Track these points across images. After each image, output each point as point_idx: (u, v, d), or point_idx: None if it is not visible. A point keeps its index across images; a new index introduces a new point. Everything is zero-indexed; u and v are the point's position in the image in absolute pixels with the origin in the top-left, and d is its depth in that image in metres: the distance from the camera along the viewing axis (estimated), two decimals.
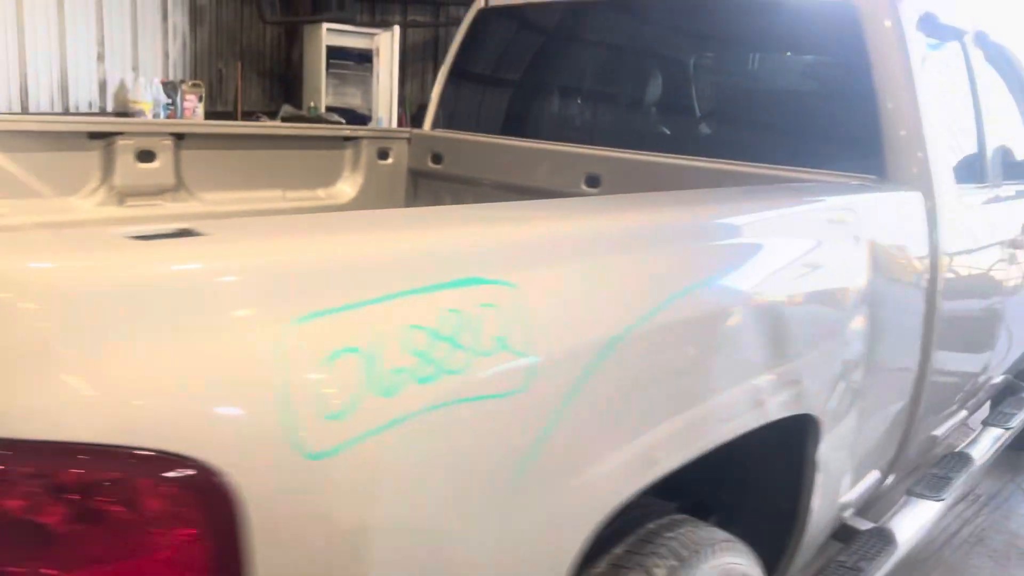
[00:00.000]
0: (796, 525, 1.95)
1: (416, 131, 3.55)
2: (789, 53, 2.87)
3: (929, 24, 2.49)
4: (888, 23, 2.35)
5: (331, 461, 0.84)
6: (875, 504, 2.73)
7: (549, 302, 1.11)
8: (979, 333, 2.81)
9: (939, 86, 2.55)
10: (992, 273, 2.77)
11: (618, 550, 1.45)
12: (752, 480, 2.03)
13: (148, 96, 7.23)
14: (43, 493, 0.71)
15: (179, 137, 2.80)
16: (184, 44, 7.86)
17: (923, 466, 3.12)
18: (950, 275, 2.39)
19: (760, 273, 1.57)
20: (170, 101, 7.46)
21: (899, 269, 2.20)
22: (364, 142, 3.36)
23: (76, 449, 0.72)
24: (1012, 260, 2.90)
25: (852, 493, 2.25)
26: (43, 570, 0.73)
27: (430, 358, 0.94)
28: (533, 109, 3.43)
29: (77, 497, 0.73)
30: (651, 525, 1.55)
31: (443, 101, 3.58)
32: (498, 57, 3.48)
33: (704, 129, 2.91)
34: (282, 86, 8.78)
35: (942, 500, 2.85)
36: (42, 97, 6.44)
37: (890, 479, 2.60)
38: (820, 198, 2.01)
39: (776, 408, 1.61)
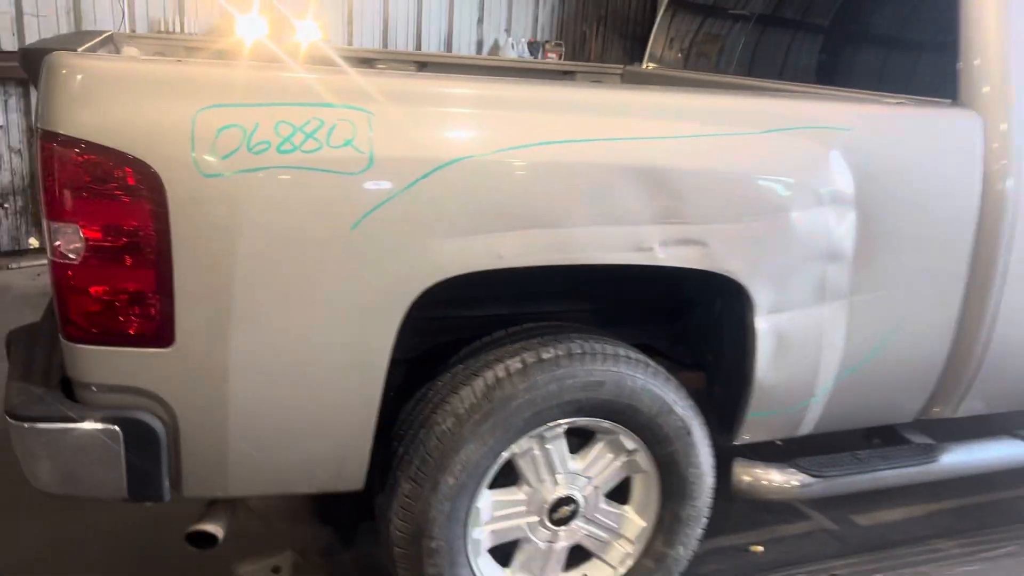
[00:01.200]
0: (746, 388, 2.27)
1: (629, 67, 4.12)
2: None
3: None
4: None
5: (215, 180, 1.65)
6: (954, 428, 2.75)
7: (399, 127, 1.77)
8: None
9: None
10: None
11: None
12: (717, 338, 2.38)
13: (514, 54, 8.52)
14: (70, 163, 1.63)
15: (422, 65, 3.78)
16: (553, 9, 9.03)
17: None
18: (1013, 200, 2.39)
19: (658, 148, 2.00)
20: (534, 57, 8.67)
21: (922, 182, 2.31)
22: (578, 75, 4.04)
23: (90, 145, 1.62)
24: None
25: (856, 396, 2.43)
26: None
27: (290, 140, 1.69)
28: (737, 49, 3.77)
29: (89, 162, 1.63)
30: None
31: (656, 40, 4.09)
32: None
33: (822, 60, 3.09)
34: (641, 46, 9.53)
35: None
36: (432, 49, 8.08)
37: (948, 406, 2.63)
38: (773, 103, 2.27)
39: (669, 257, 2.02)
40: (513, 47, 8.65)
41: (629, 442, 2.22)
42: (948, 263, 2.41)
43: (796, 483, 2.46)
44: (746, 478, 2.45)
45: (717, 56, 3.68)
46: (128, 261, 1.66)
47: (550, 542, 2.25)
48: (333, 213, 1.73)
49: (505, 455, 2.10)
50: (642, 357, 2.19)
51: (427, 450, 2.01)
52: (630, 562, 2.33)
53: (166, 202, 1.63)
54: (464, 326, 2.29)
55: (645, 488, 2.30)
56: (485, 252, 1.86)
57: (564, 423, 2.13)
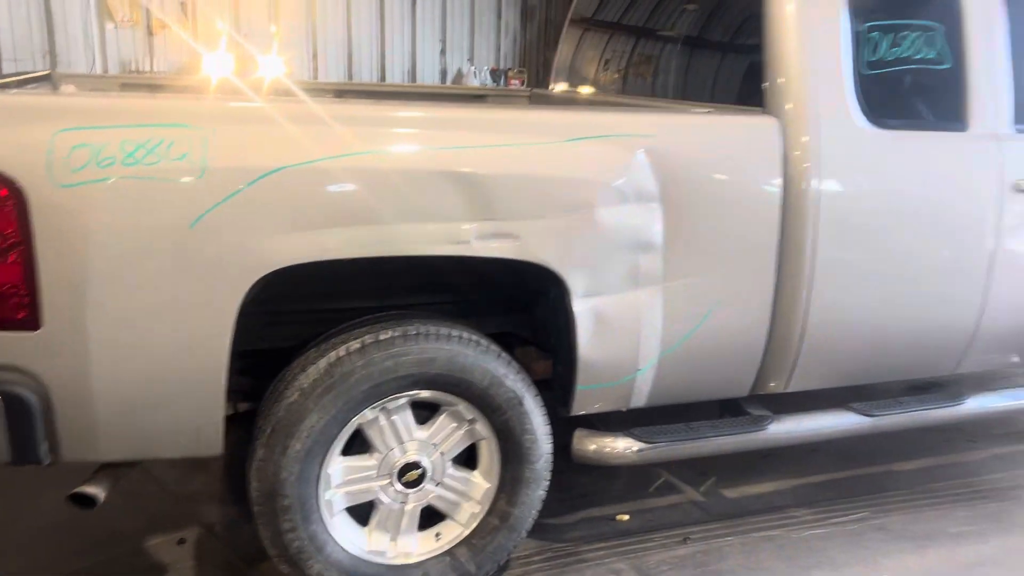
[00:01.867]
0: (573, 364, 2.59)
1: (536, 90, 4.48)
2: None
3: None
4: None
5: (70, 189, 2.01)
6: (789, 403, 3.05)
7: (229, 143, 2.13)
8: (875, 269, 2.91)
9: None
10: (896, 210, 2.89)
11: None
12: (554, 323, 2.70)
13: (477, 82, 8.95)
14: None
15: (340, 93, 4.15)
16: (515, 37, 9.48)
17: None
18: (814, 199, 2.71)
19: (470, 156, 2.34)
20: (496, 85, 9.10)
21: (725, 181, 2.64)
22: (490, 99, 4.40)
23: None
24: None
25: (688, 372, 2.74)
26: None
27: (133, 156, 2.05)
28: (618, 68, 4.13)
29: None
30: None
31: (559, 60, 4.46)
32: (602, 22, 4.25)
33: (686, 77, 3.45)
34: None
35: (870, 417, 3.06)
36: (396, 77, 8.51)
37: (780, 381, 2.93)
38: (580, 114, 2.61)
39: (484, 248, 2.36)
40: (476, 75, 9.08)
41: (468, 412, 2.54)
42: (757, 253, 2.73)
43: (628, 449, 2.77)
44: (585, 444, 2.76)
45: (603, 76, 4.03)
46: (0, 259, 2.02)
47: (402, 503, 2.56)
48: (173, 214, 2.08)
49: (353, 424, 2.43)
50: (474, 337, 2.51)
51: (277, 419, 2.33)
52: (476, 521, 2.64)
53: (29, 210, 1.99)
54: (332, 319, 2.62)
55: (489, 453, 2.62)
56: (310, 246, 2.20)
57: (405, 396, 2.46)
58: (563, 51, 4.39)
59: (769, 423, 2.95)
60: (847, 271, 2.85)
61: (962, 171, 2.99)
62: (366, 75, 8.27)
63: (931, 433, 3.91)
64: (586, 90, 4.15)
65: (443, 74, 8.92)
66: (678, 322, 2.69)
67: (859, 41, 2.85)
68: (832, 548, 3.03)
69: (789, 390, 3.00)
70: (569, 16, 4.29)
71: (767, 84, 2.80)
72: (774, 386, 2.98)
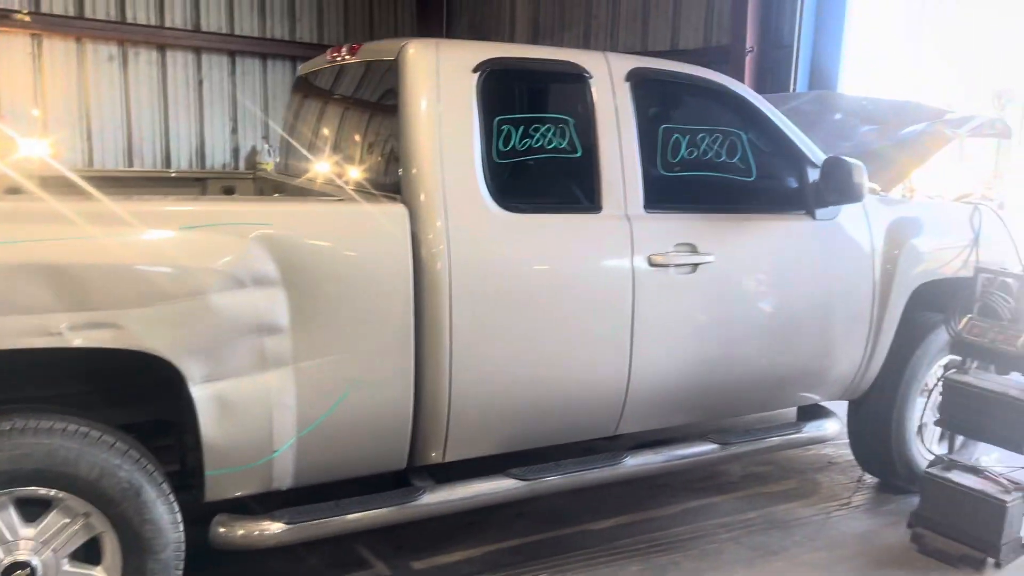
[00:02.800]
0: (199, 450, 2.62)
1: (259, 172, 4.57)
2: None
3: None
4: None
5: None
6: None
7: None
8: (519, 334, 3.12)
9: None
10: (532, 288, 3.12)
11: None
12: (178, 409, 2.72)
13: (271, 160, 9.00)
14: None
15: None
16: None
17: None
18: (448, 279, 2.89)
19: (63, 248, 2.36)
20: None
21: (353, 264, 2.77)
22: (210, 182, 4.45)
23: None
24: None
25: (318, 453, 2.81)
26: None
27: None
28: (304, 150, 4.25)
29: None
30: None
31: (281, 148, 4.57)
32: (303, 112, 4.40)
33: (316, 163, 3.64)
34: None
35: (526, 481, 3.22)
36: (183, 161, 8.42)
37: (439, 452, 3.06)
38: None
39: (80, 339, 2.37)
40: (270, 153, 9.12)
41: (80, 506, 2.50)
42: (394, 332, 2.87)
43: (269, 531, 2.79)
44: (222, 530, 2.76)
45: (298, 162, 4.17)
46: None
47: None
48: None
49: None
50: (82, 428, 2.49)
51: None
52: None
53: None
54: None
55: (110, 546, 2.58)
56: None
57: (2, 494, 2.40)
58: (286, 120, 4.50)
59: (423, 494, 3.06)
60: (488, 344, 3.03)
61: (596, 248, 3.26)
62: (149, 156, 8.14)
63: (638, 488, 4.15)
64: (299, 166, 4.26)
65: (235, 152, 8.91)
66: (314, 401, 2.77)
67: (490, 133, 3.10)
68: None
69: (449, 459, 3.13)
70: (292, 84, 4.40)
71: (402, 174, 2.99)
72: (435, 456, 3.11)
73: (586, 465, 3.39)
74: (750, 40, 6.86)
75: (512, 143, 3.16)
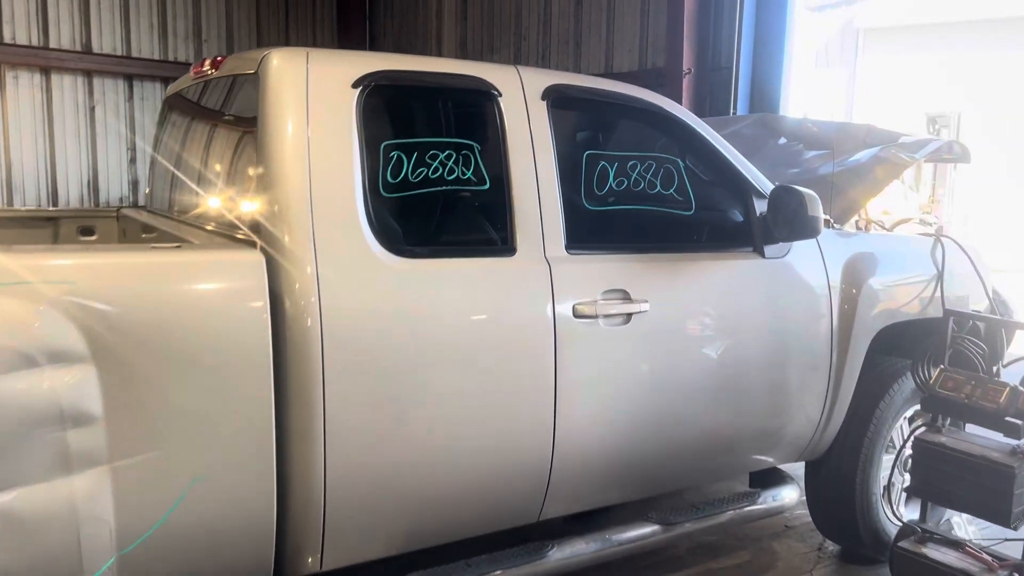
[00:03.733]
0: None
1: (123, 209, 3.91)
2: None
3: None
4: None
5: None
6: None
7: None
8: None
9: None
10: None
11: None
12: None
13: None
14: None
15: None
16: None
17: None
18: (320, 340, 2.30)
19: None
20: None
21: (192, 326, 2.16)
22: (64, 221, 3.77)
23: None
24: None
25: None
26: None
27: None
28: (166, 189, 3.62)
29: None
30: None
31: (149, 180, 3.92)
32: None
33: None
34: None
35: None
36: (72, 195, 7.62)
37: (315, 557, 2.44)
38: None
39: None
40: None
41: None
42: (246, 409, 2.25)
43: None
44: None
45: (167, 196, 3.54)
46: None
47: None
48: None
49: None
50: None
51: None
52: None
53: None
54: None
55: None
56: None
57: None
58: (154, 148, 3.86)
59: None
60: (373, 420, 2.44)
61: (509, 298, 2.70)
62: (32, 191, 7.33)
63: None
64: (169, 201, 3.63)
65: (134, 185, 8.15)
66: (142, 509, 2.14)
67: (376, 161, 2.53)
68: None
69: (330, 567, 2.51)
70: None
71: (261, 211, 2.40)
72: (311, 563, 2.48)
73: (501, 563, 2.79)
74: (687, 62, 6.45)
75: (403, 173, 2.59)
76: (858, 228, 4.21)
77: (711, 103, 6.65)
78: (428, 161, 2.63)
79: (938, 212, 11.97)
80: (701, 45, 6.71)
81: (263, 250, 2.32)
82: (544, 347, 2.72)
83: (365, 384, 2.41)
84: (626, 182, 3.02)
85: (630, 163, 3.04)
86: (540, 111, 2.84)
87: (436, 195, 2.66)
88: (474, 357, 2.61)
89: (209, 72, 3.01)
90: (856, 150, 4.21)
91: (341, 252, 2.41)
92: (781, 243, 3.25)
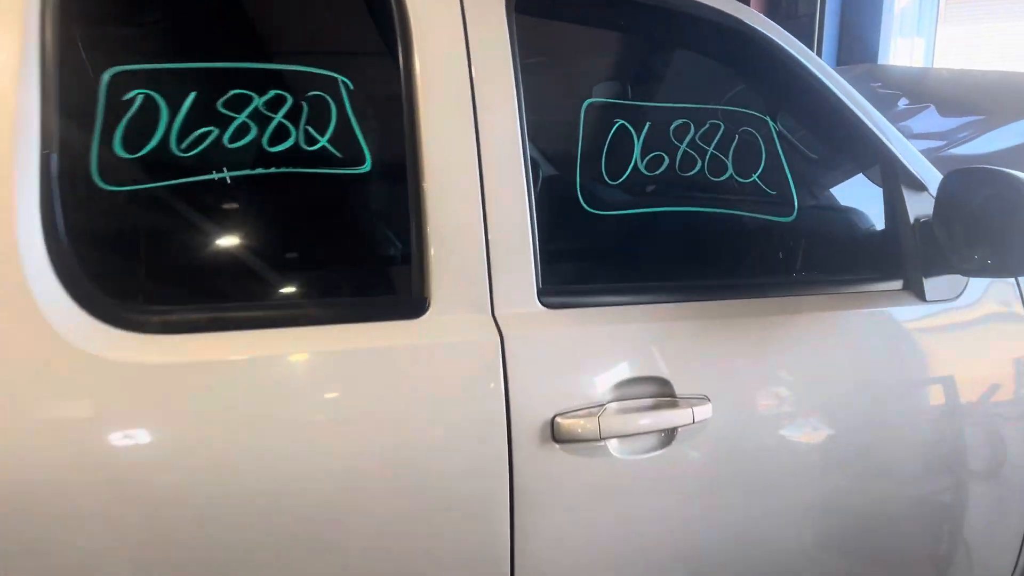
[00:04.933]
0: None
1: None
2: None
3: None
4: None
5: None
6: None
7: None
8: None
9: None
10: None
11: None
12: None
13: None
14: None
15: None
16: None
17: None
18: None
19: None
20: None
21: None
22: None
23: None
24: None
25: None
26: None
27: None
28: None
29: None
30: None
31: None
32: None
33: None
34: None
35: None
36: None
37: None
38: None
39: None
40: None
41: None
42: None
43: None
44: None
45: None
46: None
47: None
48: None
49: None
50: None
51: None
52: None
53: None
54: None
55: None
56: None
57: None
58: None
59: None
60: None
61: (406, 412, 1.25)
62: None
63: None
64: None
65: None
66: None
67: (88, 109, 1.11)
68: None
69: None
70: None
71: None
72: None
73: None
74: (755, 4, 5.01)
75: (157, 137, 1.16)
76: None
77: None
78: (219, 112, 1.20)
79: None
80: None
81: None
82: (486, 513, 1.28)
83: None
84: (667, 160, 1.54)
85: (674, 125, 1.56)
86: (493, 17, 1.38)
87: (238, 188, 1.22)
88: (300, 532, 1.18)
89: None
90: None
91: None
92: (951, 274, 1.75)
